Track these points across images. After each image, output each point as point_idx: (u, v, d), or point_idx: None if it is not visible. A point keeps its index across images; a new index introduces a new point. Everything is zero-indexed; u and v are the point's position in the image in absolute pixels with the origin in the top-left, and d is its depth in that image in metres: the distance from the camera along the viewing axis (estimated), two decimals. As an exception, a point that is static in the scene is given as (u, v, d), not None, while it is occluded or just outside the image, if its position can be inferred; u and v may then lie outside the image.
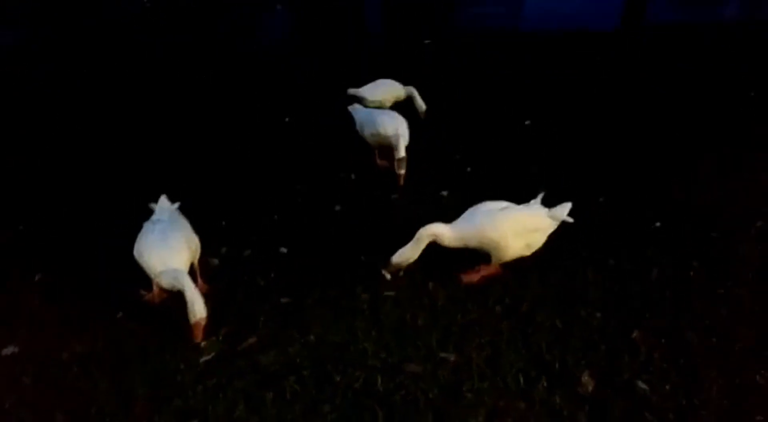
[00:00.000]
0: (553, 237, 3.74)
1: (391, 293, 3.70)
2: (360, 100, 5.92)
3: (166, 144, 6.01)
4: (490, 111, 6.43)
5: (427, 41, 9.56)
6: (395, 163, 4.81)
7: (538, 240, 3.64)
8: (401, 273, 3.76)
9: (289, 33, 11.18)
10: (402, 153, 4.78)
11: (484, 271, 3.74)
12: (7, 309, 3.69)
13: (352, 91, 5.96)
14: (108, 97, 7.37)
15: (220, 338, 3.41)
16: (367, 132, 5.17)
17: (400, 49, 9.11)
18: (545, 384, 2.95)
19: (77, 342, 3.40)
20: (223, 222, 4.58)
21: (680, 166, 5.01)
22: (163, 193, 4.01)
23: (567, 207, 3.64)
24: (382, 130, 4.98)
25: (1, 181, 5.43)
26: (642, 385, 2.90)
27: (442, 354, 3.20)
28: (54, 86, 7.84)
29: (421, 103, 5.90)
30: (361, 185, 5.10)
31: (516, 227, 3.52)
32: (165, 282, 3.42)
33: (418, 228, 3.63)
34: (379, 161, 5.36)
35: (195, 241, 3.73)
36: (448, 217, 3.73)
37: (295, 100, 7.03)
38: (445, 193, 4.83)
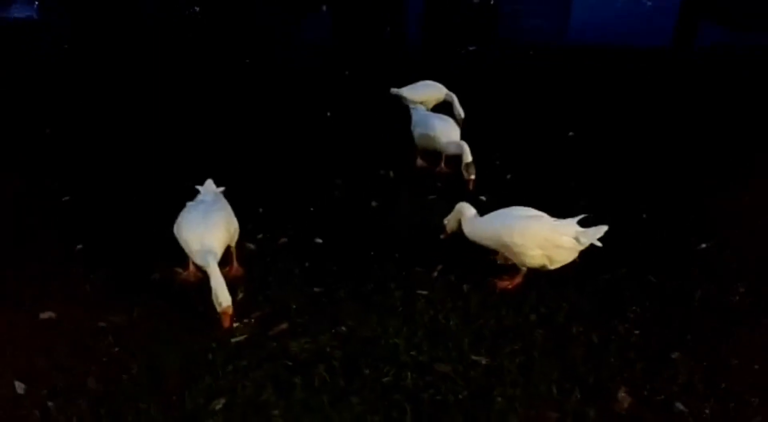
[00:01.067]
0: (593, 250, 3.67)
1: (425, 292, 3.67)
2: (401, 100, 5.96)
3: (213, 131, 6.10)
4: (534, 120, 6.36)
5: (472, 48, 9.52)
6: (463, 169, 4.80)
7: (563, 256, 3.51)
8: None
9: (334, 31, 11.26)
10: (469, 157, 4.77)
11: (518, 278, 3.70)
12: (47, 276, 3.75)
13: (394, 90, 5.98)
14: (162, 83, 7.51)
15: (252, 321, 3.42)
16: (418, 132, 5.23)
17: (445, 54, 9.09)
18: (579, 397, 2.88)
19: (113, 313, 3.44)
20: (261, 210, 4.61)
21: (728, 188, 4.88)
22: (206, 176, 4.06)
23: (601, 230, 3.43)
24: (431, 132, 5.10)
25: (50, 153, 5.57)
26: (680, 407, 2.81)
27: (474, 357, 3.15)
28: (112, 69, 8.03)
29: (460, 111, 5.85)
30: (399, 183, 5.09)
31: (536, 238, 3.45)
32: (199, 260, 3.45)
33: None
34: (419, 162, 5.36)
35: (234, 225, 3.76)
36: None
37: (338, 96, 7.07)
38: (483, 197, 4.78)
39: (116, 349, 3.17)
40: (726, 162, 5.37)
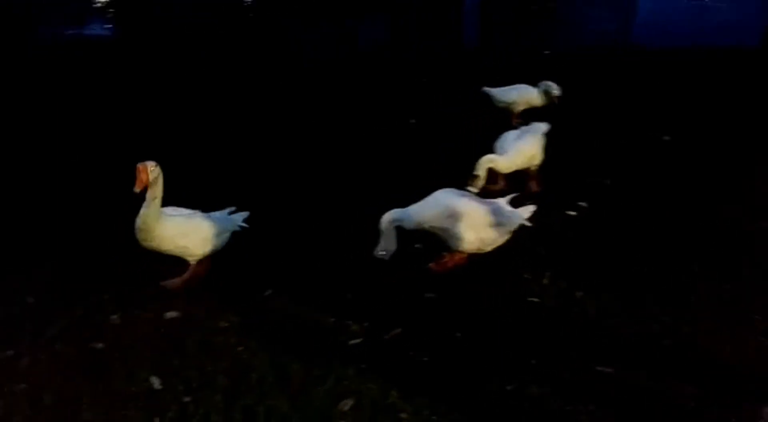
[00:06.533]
0: (715, 261, 3.54)
1: (536, 299, 3.60)
2: (491, 100, 6.00)
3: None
4: (624, 125, 6.21)
5: (547, 52, 9.41)
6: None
7: (493, 237, 3.64)
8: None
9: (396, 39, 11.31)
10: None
11: (450, 261, 3.81)
12: (162, 278, 3.87)
13: (486, 89, 6.02)
14: (203, 99, 7.76)
15: (366, 324, 3.44)
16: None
17: (518, 59, 9.00)
18: (720, 412, 2.75)
19: (232, 313, 3.53)
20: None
21: None
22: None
23: (529, 210, 3.65)
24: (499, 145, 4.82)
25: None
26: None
27: (599, 368, 3.06)
28: (144, 88, 8.35)
29: (555, 90, 5.82)
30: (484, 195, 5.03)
31: (470, 219, 3.56)
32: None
33: (558, 235, 3.96)
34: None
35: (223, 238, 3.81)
36: (587, 232, 3.89)
37: (419, 103, 7.10)
38: (584, 204, 4.68)
39: (240, 348, 3.24)
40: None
